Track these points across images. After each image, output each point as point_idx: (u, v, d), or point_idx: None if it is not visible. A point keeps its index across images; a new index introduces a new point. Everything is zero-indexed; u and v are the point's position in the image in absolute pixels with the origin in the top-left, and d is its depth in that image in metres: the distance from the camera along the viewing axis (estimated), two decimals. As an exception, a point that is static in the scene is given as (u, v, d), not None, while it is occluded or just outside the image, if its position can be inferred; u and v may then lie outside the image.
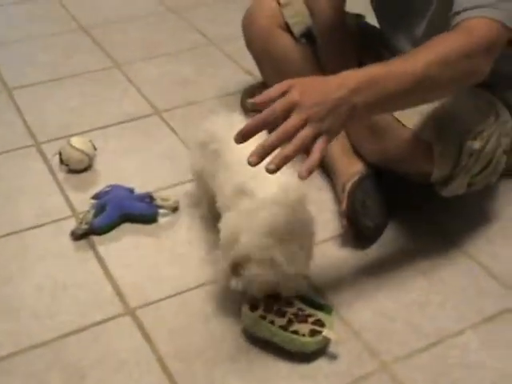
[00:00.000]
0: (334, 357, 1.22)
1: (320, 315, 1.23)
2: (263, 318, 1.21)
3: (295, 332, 1.19)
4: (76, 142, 1.68)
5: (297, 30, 1.70)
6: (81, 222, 1.51)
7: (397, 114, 1.43)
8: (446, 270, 1.42)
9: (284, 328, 1.20)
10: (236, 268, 1.20)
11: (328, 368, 1.21)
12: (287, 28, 1.72)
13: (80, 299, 1.37)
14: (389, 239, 1.49)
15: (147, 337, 1.29)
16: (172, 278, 1.42)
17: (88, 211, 1.53)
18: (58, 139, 1.80)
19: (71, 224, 1.53)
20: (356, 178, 1.50)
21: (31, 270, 1.44)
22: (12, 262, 1.45)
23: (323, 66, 1.65)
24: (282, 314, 1.22)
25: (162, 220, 1.56)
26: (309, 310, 1.24)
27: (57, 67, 2.19)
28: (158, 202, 1.56)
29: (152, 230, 1.54)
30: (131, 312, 1.34)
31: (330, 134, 1.10)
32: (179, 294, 1.38)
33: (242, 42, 1.85)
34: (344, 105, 1.10)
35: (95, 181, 1.68)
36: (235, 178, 1.26)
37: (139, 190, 1.60)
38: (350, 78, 1.13)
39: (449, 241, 1.51)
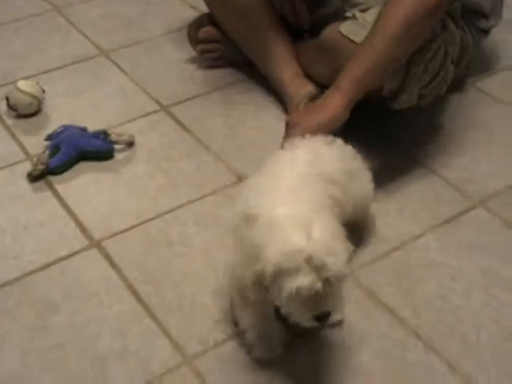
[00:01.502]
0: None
1: None
2: None
3: None
4: (23, 85, 1.68)
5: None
6: (36, 164, 1.52)
7: (344, 31, 1.47)
8: (402, 179, 1.48)
9: None
10: None
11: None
12: None
13: (43, 238, 1.39)
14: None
15: (115, 266, 1.32)
16: (133, 209, 1.45)
17: (43, 152, 1.54)
18: (2, 86, 1.79)
19: (26, 167, 1.54)
20: (308, 96, 1.54)
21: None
22: (-30, 208, 1.47)
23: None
24: None
25: (118, 155, 1.59)
26: None
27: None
28: (113, 137, 1.58)
29: (109, 165, 1.57)
30: (96, 244, 1.37)
31: None
32: (142, 223, 1.42)
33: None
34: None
35: (46, 123, 1.68)
36: None
37: (92, 128, 1.62)
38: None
39: (404, 152, 1.57)
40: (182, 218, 1.43)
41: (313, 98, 1.56)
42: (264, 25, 1.69)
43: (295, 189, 1.08)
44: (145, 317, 1.23)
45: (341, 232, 1.05)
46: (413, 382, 1.13)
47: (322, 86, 1.57)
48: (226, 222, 1.39)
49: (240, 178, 1.51)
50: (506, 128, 1.66)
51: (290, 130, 1.32)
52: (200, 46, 1.83)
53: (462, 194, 1.47)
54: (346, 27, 1.48)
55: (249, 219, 1.05)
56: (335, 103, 1.34)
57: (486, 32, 1.71)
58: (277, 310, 1.08)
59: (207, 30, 1.81)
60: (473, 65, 1.74)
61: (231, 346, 1.18)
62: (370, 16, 1.44)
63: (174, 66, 1.88)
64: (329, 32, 1.53)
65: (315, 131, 1.25)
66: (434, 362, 1.15)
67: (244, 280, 1.03)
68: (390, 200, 1.44)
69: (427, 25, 1.37)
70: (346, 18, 1.50)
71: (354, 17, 1.48)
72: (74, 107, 1.74)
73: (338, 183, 1.15)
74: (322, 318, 1.00)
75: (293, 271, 0.96)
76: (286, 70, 1.67)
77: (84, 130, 1.61)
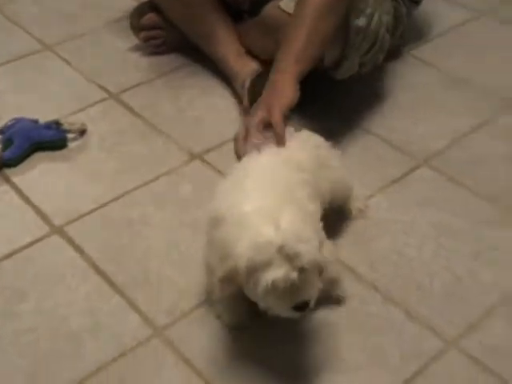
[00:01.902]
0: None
1: None
2: None
3: None
4: None
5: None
6: (-10, 158, 1.52)
7: (283, 5, 1.50)
8: (340, 146, 1.44)
9: None
10: None
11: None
12: None
13: (5, 228, 1.39)
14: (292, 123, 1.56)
15: (78, 249, 1.33)
16: (90, 194, 1.46)
17: (-4, 146, 1.54)
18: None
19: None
20: (253, 75, 1.57)
21: None
22: None
23: None
24: None
25: (71, 144, 1.58)
26: None
27: None
28: (66, 126, 1.57)
29: (63, 154, 1.56)
30: (58, 230, 1.37)
31: None
32: (100, 207, 1.42)
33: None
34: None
35: (-4, 119, 1.67)
36: None
37: (43, 120, 1.61)
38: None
39: (347, 119, 1.61)
40: (139, 199, 1.44)
41: (258, 76, 1.58)
42: (205, 8, 1.70)
43: (260, 185, 1.09)
44: (113, 295, 1.24)
45: (312, 220, 1.06)
46: (375, 332, 1.17)
47: (265, 62, 1.60)
48: (182, 200, 1.43)
49: (192, 156, 1.53)
50: (442, 91, 1.72)
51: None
52: (143, 33, 1.83)
53: (405, 155, 1.52)
54: (285, 3, 1.50)
55: (217, 221, 1.05)
56: (289, 89, 1.35)
57: (417, 3, 1.76)
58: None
59: (150, 17, 1.81)
60: (407, 34, 1.79)
61: (198, 315, 1.20)
62: None
63: (119, 55, 1.88)
64: (269, 9, 1.55)
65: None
66: (393, 312, 1.20)
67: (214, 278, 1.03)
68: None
69: None
70: (283, -6, 1.53)
71: (291, -8, 1.51)
72: (22, 101, 1.72)
73: (306, 170, 1.16)
74: (302, 307, 1.00)
75: (266, 264, 0.95)
76: (230, 49, 1.69)
77: (35, 121, 1.60)
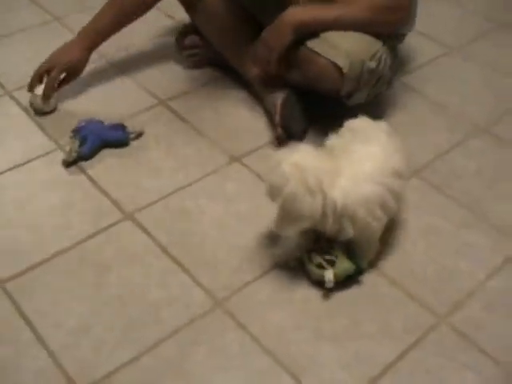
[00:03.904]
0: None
1: (343, 262, 1.28)
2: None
3: (309, 259, 1.30)
4: (40, 90, 1.72)
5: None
6: (69, 152, 1.58)
7: (313, 46, 1.57)
8: None
9: (308, 252, 1.31)
10: None
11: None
12: None
13: (85, 212, 1.47)
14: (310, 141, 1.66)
15: (148, 233, 1.42)
16: (154, 186, 1.53)
17: (72, 142, 1.59)
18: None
19: (59, 155, 1.60)
20: (284, 95, 1.65)
21: (39, 197, 1.51)
22: (10, 197, 1.51)
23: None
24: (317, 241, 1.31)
25: (133, 143, 1.66)
26: (337, 252, 1.29)
27: None
28: (129, 129, 1.65)
29: (127, 152, 1.63)
30: (130, 216, 1.46)
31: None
32: (163, 198, 1.51)
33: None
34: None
35: (67, 119, 1.71)
36: None
37: (107, 121, 1.67)
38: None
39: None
40: (193, 193, 1.52)
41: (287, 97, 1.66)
42: (241, 38, 1.76)
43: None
44: (179, 272, 1.34)
45: None
46: (384, 308, 1.29)
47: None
48: (228, 194, 1.52)
49: (232, 159, 1.62)
50: (426, 113, 1.81)
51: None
52: (186, 52, 1.90)
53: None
54: (311, 42, 1.57)
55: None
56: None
57: (401, 40, 1.81)
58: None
59: (191, 39, 1.89)
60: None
61: (251, 289, 1.31)
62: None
63: (165, 67, 1.94)
64: (295, 47, 1.59)
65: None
66: (396, 293, 1.32)
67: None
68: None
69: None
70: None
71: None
72: (88, 105, 1.78)
73: None
74: None
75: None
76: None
77: (102, 122, 1.67)
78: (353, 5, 1.55)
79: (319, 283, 1.30)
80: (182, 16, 1.97)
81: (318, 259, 1.29)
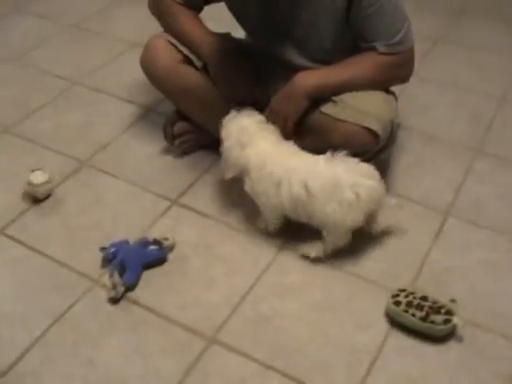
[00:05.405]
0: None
1: (449, 305, 1.36)
2: (406, 311, 1.36)
3: (432, 322, 1.34)
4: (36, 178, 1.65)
5: (198, 63, 1.69)
6: (113, 287, 1.44)
7: (324, 109, 1.57)
8: None
9: (423, 319, 1.34)
10: None
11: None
12: (187, 61, 1.69)
13: (167, 351, 1.35)
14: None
15: (242, 353, 1.34)
16: (216, 300, 1.45)
17: (111, 275, 1.46)
18: None
19: (97, 292, 1.46)
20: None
21: (102, 349, 1.36)
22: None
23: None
24: (421, 308, 1.36)
25: (169, 257, 1.54)
26: (440, 303, 1.37)
27: None
28: (164, 244, 1.54)
29: (168, 268, 1.52)
30: (213, 339, 1.37)
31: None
32: (235, 309, 1.42)
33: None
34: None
35: (82, 244, 1.58)
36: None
37: (131, 239, 1.55)
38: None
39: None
40: (257, 294, 1.46)
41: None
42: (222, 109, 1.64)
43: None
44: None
45: None
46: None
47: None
48: (290, 288, 1.47)
49: (282, 246, 1.57)
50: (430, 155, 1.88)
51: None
52: (177, 141, 1.82)
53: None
54: (326, 107, 1.56)
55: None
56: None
57: None
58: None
59: (181, 126, 1.81)
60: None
61: None
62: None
63: (157, 162, 1.83)
64: (312, 115, 1.57)
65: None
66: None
67: None
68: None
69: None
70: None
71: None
72: (102, 225, 1.63)
73: None
74: None
75: None
76: None
77: (127, 242, 1.54)
78: (360, 64, 1.54)
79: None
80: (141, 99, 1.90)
81: (439, 317, 1.33)
